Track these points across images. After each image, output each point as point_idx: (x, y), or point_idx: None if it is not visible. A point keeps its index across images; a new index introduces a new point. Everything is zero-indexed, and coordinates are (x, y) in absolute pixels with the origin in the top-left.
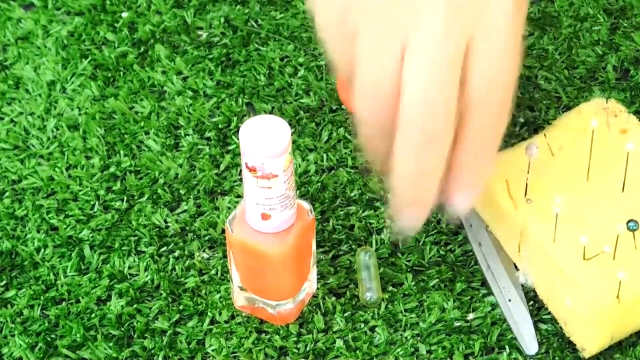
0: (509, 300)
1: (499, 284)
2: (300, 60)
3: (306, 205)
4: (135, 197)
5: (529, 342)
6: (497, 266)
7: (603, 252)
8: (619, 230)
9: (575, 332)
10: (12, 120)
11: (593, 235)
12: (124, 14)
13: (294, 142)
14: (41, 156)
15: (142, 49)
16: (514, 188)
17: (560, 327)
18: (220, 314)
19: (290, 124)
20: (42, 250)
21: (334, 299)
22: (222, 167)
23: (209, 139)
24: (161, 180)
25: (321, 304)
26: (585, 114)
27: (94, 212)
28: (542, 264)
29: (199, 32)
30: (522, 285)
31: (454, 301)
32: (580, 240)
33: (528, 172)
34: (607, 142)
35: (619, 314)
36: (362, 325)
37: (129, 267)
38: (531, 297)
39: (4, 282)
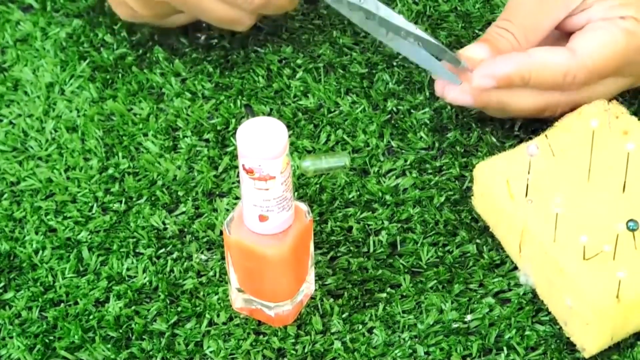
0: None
1: (400, 33)
2: (299, 61)
3: (304, 206)
4: (134, 199)
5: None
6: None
7: (603, 251)
8: (619, 230)
9: (575, 332)
10: (10, 122)
11: (593, 235)
12: None
13: (292, 143)
14: (40, 158)
15: (140, 51)
16: (515, 188)
17: (559, 329)
18: (218, 315)
19: (288, 126)
20: (41, 251)
21: (332, 300)
22: (220, 168)
23: (207, 140)
24: (159, 182)
25: (319, 305)
26: (587, 115)
27: (93, 214)
28: (542, 264)
29: (198, 34)
30: (523, 285)
31: (452, 302)
32: (581, 240)
33: (529, 173)
34: (608, 143)
35: (619, 313)
36: (360, 326)
37: (127, 269)
38: (530, 298)
39: (2, 283)
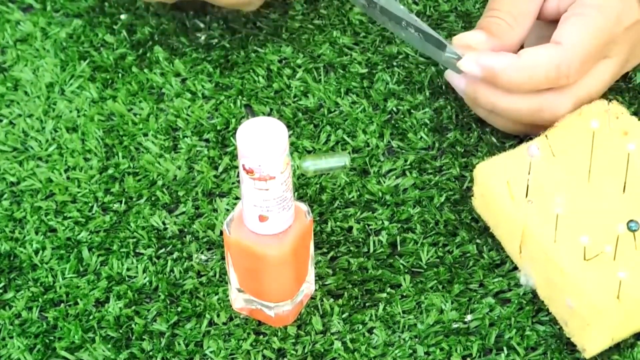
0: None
1: (402, 23)
2: (299, 62)
3: (304, 206)
4: (134, 199)
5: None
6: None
7: (604, 252)
8: (619, 231)
9: (576, 332)
10: (10, 122)
11: (594, 235)
12: (123, 16)
13: (292, 144)
14: (40, 158)
15: (140, 51)
16: (515, 189)
17: (559, 329)
18: (218, 315)
19: (288, 126)
20: (41, 252)
21: (332, 300)
22: (220, 168)
23: (207, 140)
24: (160, 182)
25: (319, 305)
26: (587, 116)
27: (93, 214)
28: (543, 265)
29: (198, 34)
30: (523, 286)
31: (452, 302)
32: (581, 241)
33: (529, 173)
34: (608, 143)
35: (619, 314)
36: (360, 326)
37: (128, 269)
38: (530, 298)
39: (3, 284)
